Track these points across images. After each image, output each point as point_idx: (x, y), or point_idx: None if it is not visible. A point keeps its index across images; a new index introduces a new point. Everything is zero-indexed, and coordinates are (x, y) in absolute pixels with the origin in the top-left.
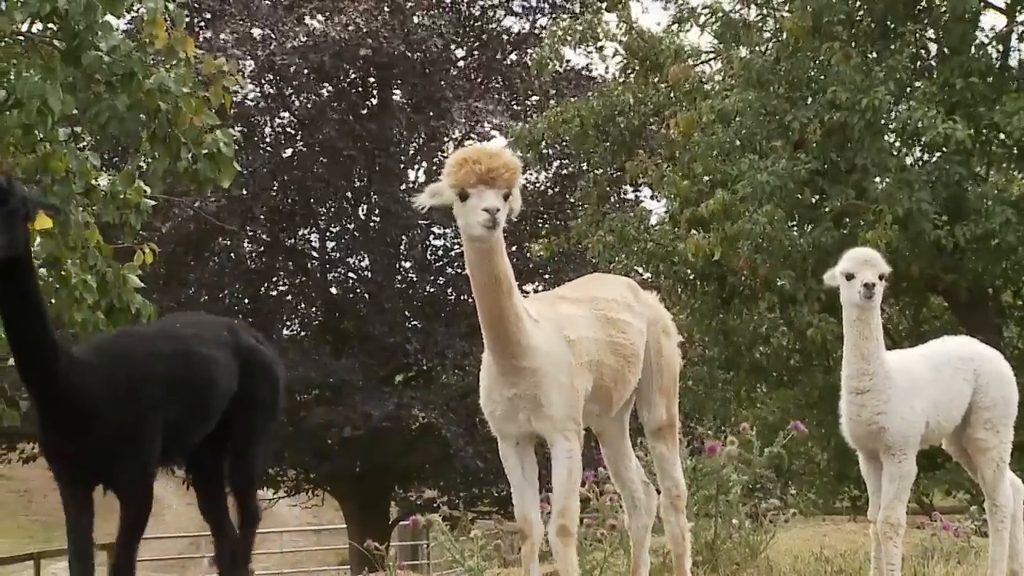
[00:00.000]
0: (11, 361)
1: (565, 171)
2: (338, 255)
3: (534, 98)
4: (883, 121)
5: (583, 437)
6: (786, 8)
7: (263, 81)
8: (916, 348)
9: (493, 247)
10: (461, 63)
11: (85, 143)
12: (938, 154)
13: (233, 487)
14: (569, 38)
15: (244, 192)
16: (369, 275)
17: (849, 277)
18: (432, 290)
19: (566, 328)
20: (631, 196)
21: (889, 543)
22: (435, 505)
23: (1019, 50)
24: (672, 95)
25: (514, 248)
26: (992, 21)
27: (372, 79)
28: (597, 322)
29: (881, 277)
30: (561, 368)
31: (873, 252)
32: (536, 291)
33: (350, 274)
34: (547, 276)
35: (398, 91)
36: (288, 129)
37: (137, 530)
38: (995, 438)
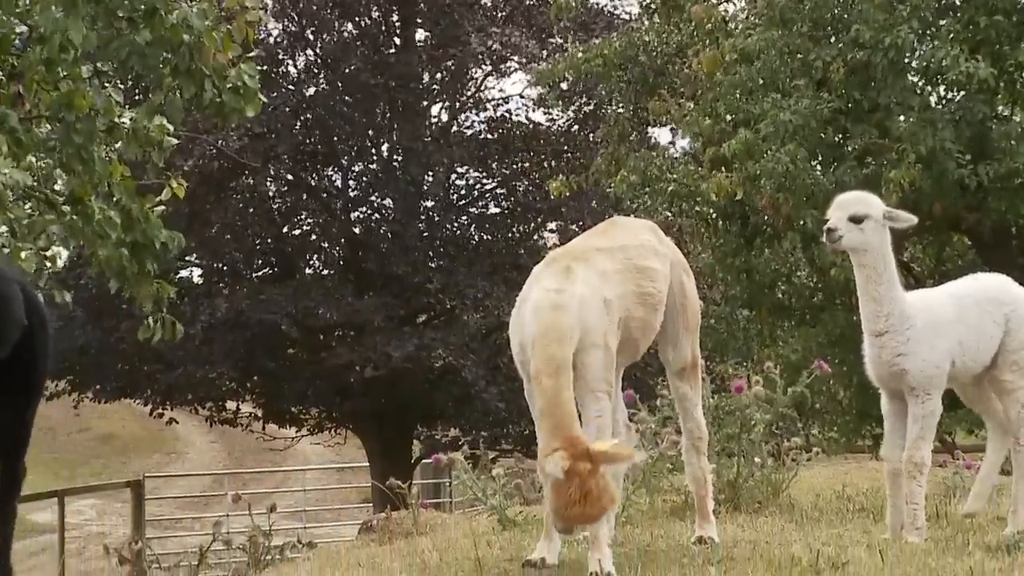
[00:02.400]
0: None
1: (587, 109)
2: (361, 194)
3: (558, 38)
4: (906, 60)
5: (612, 395)
6: None
7: (285, 19)
8: (944, 286)
9: None
10: (485, 1)
11: (109, 81)
12: (962, 93)
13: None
14: None
15: (267, 131)
16: (392, 214)
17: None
18: (455, 229)
19: (604, 288)
20: (656, 136)
21: (913, 482)
22: (458, 444)
23: None
24: (695, 34)
25: (535, 188)
26: None
27: (395, 17)
28: (628, 274)
29: (858, 220)
30: (599, 334)
31: (856, 194)
32: (557, 231)
33: (373, 213)
34: (569, 214)
35: (421, 29)
36: (311, 68)
37: None
38: (1022, 379)
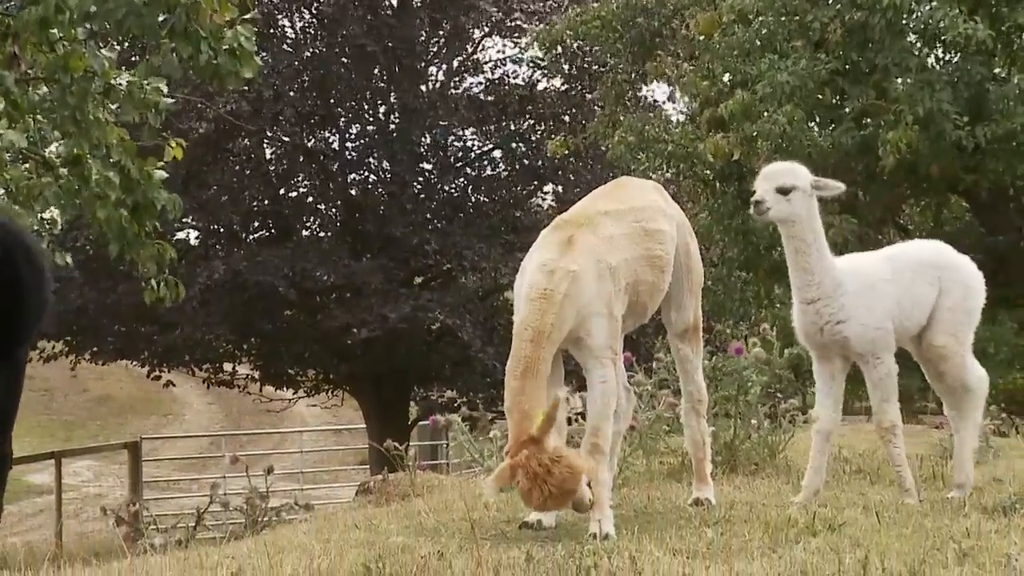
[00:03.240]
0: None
1: (585, 69)
2: (358, 156)
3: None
4: (904, 21)
5: (617, 361)
6: None
7: None
8: (881, 250)
9: None
10: None
11: (105, 43)
12: (959, 54)
13: None
14: None
15: (264, 93)
16: (389, 176)
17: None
18: (452, 191)
19: (608, 255)
20: (652, 96)
21: (889, 446)
22: (455, 405)
23: None
24: None
25: (533, 150)
26: None
27: None
28: (636, 237)
29: (785, 191)
30: (602, 302)
31: (783, 165)
32: (554, 193)
33: (370, 175)
34: (566, 176)
35: None
36: (309, 30)
37: None
38: (957, 345)
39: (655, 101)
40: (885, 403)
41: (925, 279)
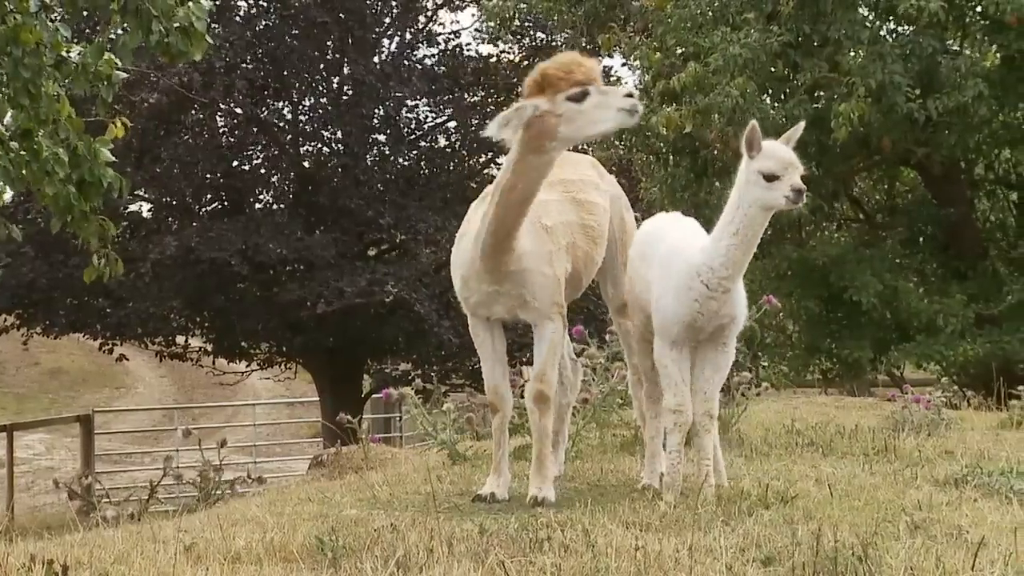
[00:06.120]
0: None
1: (538, 43)
2: (311, 128)
3: None
4: None
5: (565, 315)
6: None
7: None
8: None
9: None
10: None
11: (56, 15)
12: (911, 27)
13: None
14: None
15: (217, 65)
16: (343, 148)
17: (771, 178)
18: (406, 163)
19: (542, 216)
20: (604, 67)
21: (708, 436)
22: (409, 378)
23: None
24: None
25: (487, 122)
26: None
27: None
28: (569, 205)
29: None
30: (543, 261)
31: (790, 149)
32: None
33: (323, 147)
34: None
35: None
36: (261, 2)
37: None
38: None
39: (608, 73)
40: (717, 390)
41: None
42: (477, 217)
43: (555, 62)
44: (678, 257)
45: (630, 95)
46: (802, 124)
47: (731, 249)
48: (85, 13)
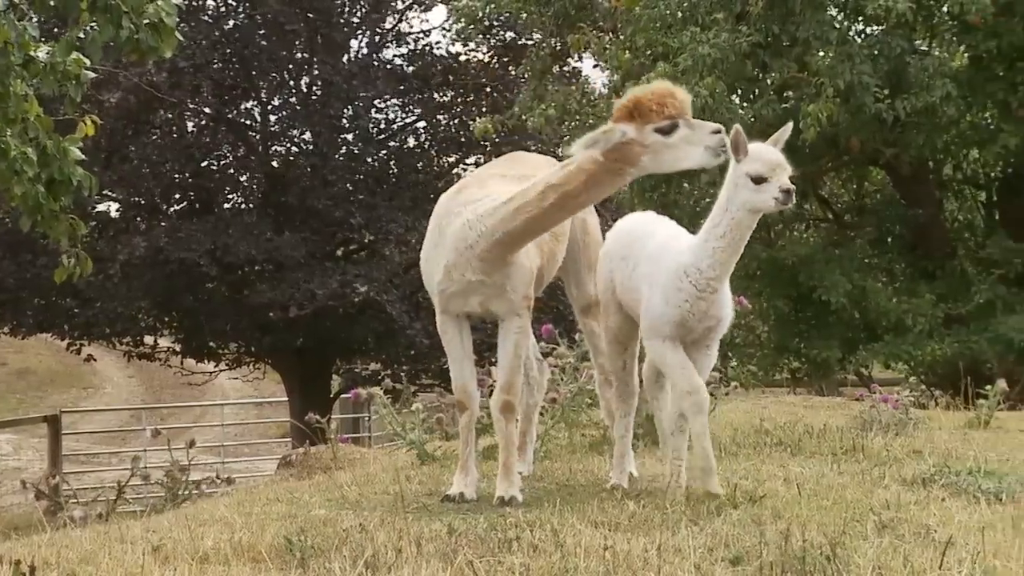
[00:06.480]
0: None
1: (508, 43)
2: (280, 128)
3: None
4: None
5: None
6: None
7: None
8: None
9: None
10: None
11: (24, 14)
12: (880, 27)
13: None
14: None
15: (186, 65)
16: (312, 148)
17: (759, 180)
18: (375, 163)
19: None
20: (578, 69)
21: (682, 436)
22: (378, 378)
23: None
24: None
25: (456, 122)
26: None
27: None
28: None
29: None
30: (524, 253)
31: (777, 151)
32: (477, 164)
33: (292, 147)
34: (488, 148)
35: None
36: (230, 1)
37: None
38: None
39: (578, 74)
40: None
41: None
42: (459, 206)
43: (649, 91)
44: (668, 256)
45: (718, 131)
46: (789, 125)
47: (718, 251)
48: (53, 4)
